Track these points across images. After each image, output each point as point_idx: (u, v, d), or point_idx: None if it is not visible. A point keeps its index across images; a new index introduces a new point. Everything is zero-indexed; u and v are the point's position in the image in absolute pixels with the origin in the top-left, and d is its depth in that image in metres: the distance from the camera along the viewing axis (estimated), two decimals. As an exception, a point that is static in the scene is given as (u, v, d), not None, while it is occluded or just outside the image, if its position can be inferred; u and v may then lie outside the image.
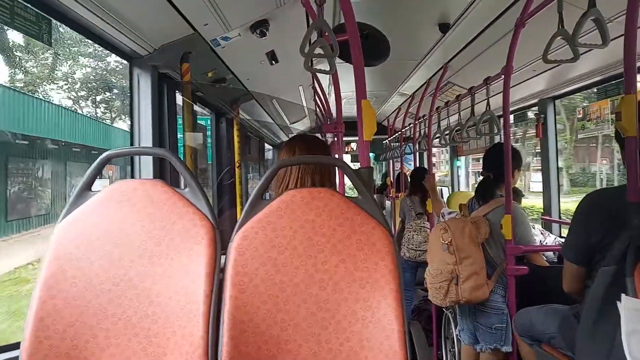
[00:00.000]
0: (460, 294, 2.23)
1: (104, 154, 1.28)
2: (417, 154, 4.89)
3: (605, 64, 2.57)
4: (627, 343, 1.00)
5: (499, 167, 2.33)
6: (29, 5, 1.34)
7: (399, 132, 5.38)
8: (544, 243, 3.02)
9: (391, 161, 6.20)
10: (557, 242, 3.01)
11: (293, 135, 1.77)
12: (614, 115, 1.49)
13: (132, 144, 2.23)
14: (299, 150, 1.60)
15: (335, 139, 3.06)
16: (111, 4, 1.66)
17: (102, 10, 1.66)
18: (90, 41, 1.91)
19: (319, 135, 5.65)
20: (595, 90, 2.95)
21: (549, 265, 2.45)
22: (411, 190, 4.21)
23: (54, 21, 1.51)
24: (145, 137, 2.20)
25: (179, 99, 2.45)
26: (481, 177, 2.66)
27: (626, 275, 1.05)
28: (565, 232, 3.37)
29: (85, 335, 1.16)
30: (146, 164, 2.22)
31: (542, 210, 3.62)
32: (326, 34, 1.60)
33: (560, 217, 3.51)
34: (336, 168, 1.70)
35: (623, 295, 1.03)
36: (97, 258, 1.20)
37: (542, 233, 3.13)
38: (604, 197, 1.56)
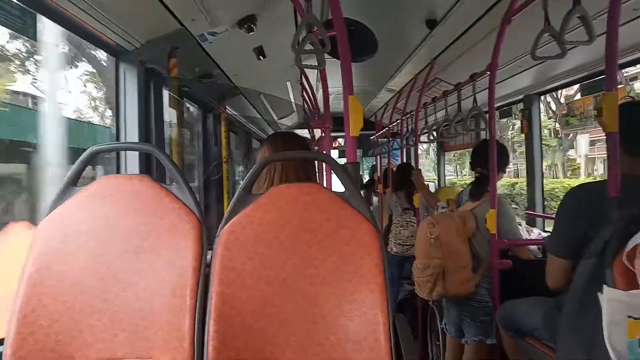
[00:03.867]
0: (447, 287, 2.26)
1: (89, 149, 1.27)
2: (404, 149, 4.92)
3: (589, 61, 2.61)
4: (607, 333, 1.02)
5: (483, 163, 2.38)
6: (13, -1, 1.33)
7: (387, 128, 5.40)
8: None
9: (379, 157, 6.22)
10: (541, 237, 3.05)
11: (271, 133, 1.80)
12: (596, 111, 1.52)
13: (117, 140, 2.21)
14: (280, 147, 1.62)
15: (324, 134, 3.07)
16: (97, -2, 1.65)
17: (88, 5, 1.64)
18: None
19: (307, 130, 5.66)
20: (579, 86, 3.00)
21: (533, 259, 2.49)
22: (396, 186, 4.23)
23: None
24: (132, 133, 2.18)
25: (165, 94, 2.44)
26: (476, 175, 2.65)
27: (606, 266, 1.08)
28: (548, 226, 3.44)
29: (71, 330, 1.16)
30: (132, 160, 2.21)
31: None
32: (315, 29, 1.60)
33: (544, 212, 3.56)
34: (318, 162, 1.72)
35: (605, 287, 1.05)
36: (83, 253, 1.20)
37: (527, 231, 3.16)
38: (588, 191, 1.59)
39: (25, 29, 1.36)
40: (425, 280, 2.31)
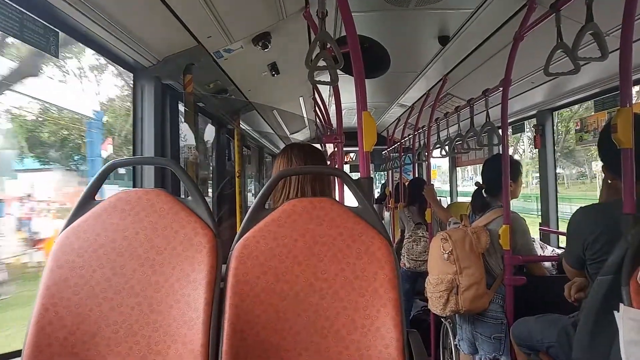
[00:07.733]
0: (461, 303, 2.24)
1: (108, 163, 1.30)
2: (416, 164, 4.92)
3: (602, 77, 2.60)
4: (625, 353, 1.00)
5: (492, 178, 2.40)
6: (37, 18, 1.37)
7: (398, 143, 5.41)
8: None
9: (390, 171, 6.22)
10: (555, 253, 3.02)
11: (288, 144, 1.75)
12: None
13: (134, 154, 2.24)
14: (296, 159, 1.59)
15: (336, 149, 3.08)
16: (117, 17, 1.69)
17: (108, 23, 1.69)
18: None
19: (318, 145, 5.69)
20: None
21: (547, 275, 2.46)
22: (409, 201, 4.23)
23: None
24: (148, 147, 2.22)
25: (181, 108, 2.48)
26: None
27: (622, 284, 1.07)
28: (562, 242, 3.41)
29: (87, 343, 1.17)
30: (148, 173, 2.23)
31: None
32: (328, 46, 1.63)
33: (558, 228, 3.52)
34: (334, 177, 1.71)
35: (621, 305, 1.04)
36: (99, 266, 1.22)
37: (541, 247, 3.13)
38: (587, 213, 1.64)
39: (48, 47, 1.40)
40: (438, 296, 2.29)
